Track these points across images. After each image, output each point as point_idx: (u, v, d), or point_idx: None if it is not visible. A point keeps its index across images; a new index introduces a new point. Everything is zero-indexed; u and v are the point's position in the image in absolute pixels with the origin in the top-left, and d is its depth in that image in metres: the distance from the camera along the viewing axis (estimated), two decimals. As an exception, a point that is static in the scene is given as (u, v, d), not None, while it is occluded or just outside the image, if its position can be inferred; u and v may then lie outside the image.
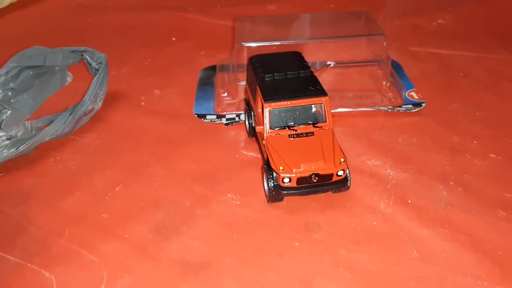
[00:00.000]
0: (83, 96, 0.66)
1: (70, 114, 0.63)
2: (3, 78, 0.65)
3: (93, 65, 0.71)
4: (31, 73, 0.68)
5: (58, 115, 0.64)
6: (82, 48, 0.71)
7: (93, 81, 0.66)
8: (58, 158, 0.64)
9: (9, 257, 0.50)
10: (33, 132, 0.62)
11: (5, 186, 0.59)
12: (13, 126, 0.62)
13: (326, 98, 0.57)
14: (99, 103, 0.69)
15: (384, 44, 0.73)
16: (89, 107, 0.66)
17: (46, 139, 0.62)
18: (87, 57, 0.71)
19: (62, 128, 0.63)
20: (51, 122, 0.63)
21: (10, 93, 0.65)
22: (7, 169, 0.61)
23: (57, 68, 0.71)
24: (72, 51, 0.71)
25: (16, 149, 0.59)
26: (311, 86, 0.58)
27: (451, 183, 0.59)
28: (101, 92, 0.68)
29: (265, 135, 0.57)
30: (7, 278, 0.48)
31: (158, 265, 0.49)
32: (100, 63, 0.69)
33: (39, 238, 0.52)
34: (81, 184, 0.59)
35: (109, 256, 0.50)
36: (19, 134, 0.62)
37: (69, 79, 0.73)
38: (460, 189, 0.58)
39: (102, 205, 0.56)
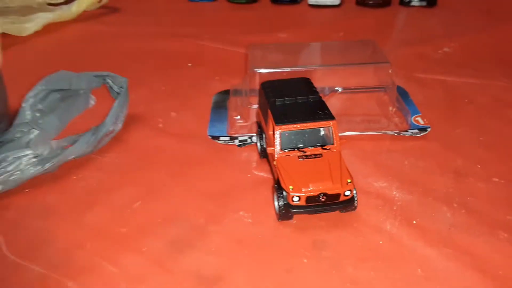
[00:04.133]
0: (105, 118, 0.71)
1: (92, 135, 0.67)
2: (32, 100, 0.69)
3: (114, 89, 0.76)
4: (58, 95, 0.72)
5: (81, 136, 0.68)
6: (105, 73, 0.76)
7: (115, 104, 0.71)
8: (80, 176, 0.67)
9: (34, 267, 0.53)
10: (58, 151, 0.66)
11: (30, 201, 0.63)
12: (40, 145, 0.66)
13: (334, 121, 0.60)
14: (119, 125, 0.73)
15: (390, 71, 0.76)
16: (110, 128, 0.70)
17: (70, 157, 0.66)
18: (109, 81, 0.76)
19: (85, 148, 0.67)
20: (75, 142, 0.67)
21: (38, 114, 0.70)
22: (32, 185, 0.65)
23: (81, 91, 0.76)
24: (96, 76, 0.76)
25: (42, 166, 0.63)
26: (319, 110, 0.61)
27: (455, 205, 0.61)
28: (122, 114, 0.72)
29: (276, 156, 0.60)
30: (32, 287, 0.51)
31: (174, 277, 0.51)
32: (121, 87, 0.74)
33: (61, 250, 0.55)
34: (101, 201, 0.63)
35: (128, 268, 0.53)
36: (45, 152, 0.66)
37: (92, 102, 0.78)
38: (463, 211, 0.60)
39: (121, 220, 0.59)
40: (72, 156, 0.67)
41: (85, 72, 0.76)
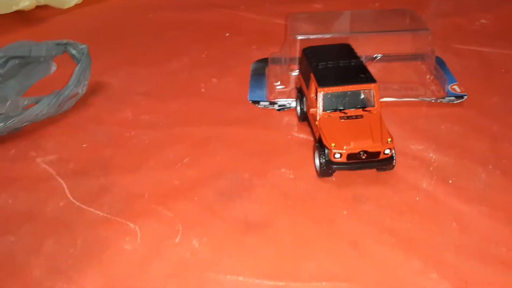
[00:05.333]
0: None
1: (54, 97, 0.70)
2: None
3: (76, 56, 0.79)
4: (16, 62, 0.77)
5: (44, 97, 0.71)
6: (64, 41, 0.79)
7: (76, 69, 0.74)
8: (133, 133, 0.72)
9: (99, 212, 0.59)
10: (20, 111, 0.69)
11: (89, 155, 0.68)
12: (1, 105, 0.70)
13: (375, 84, 0.63)
14: (84, 89, 0.76)
15: (429, 38, 0.77)
16: (73, 91, 0.73)
17: (31, 117, 0.69)
18: (70, 49, 0.79)
19: (47, 108, 0.70)
20: (37, 102, 0.70)
21: None
22: (89, 142, 0.71)
23: (42, 59, 0.80)
24: (56, 44, 0.79)
25: (4, 123, 0.67)
26: (361, 74, 0.64)
27: (490, 167, 0.63)
28: (84, 78, 0.75)
29: (318, 116, 0.63)
30: (100, 228, 0.56)
31: (224, 222, 0.56)
32: (83, 53, 0.76)
33: (122, 197, 0.61)
34: (154, 156, 0.68)
35: (183, 213, 0.58)
36: (6, 110, 0.70)
37: (53, 68, 0.82)
38: (498, 172, 0.62)
39: (173, 173, 0.64)
40: (34, 116, 0.70)
41: (45, 41, 0.79)
